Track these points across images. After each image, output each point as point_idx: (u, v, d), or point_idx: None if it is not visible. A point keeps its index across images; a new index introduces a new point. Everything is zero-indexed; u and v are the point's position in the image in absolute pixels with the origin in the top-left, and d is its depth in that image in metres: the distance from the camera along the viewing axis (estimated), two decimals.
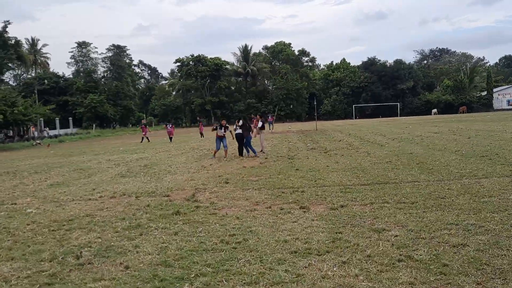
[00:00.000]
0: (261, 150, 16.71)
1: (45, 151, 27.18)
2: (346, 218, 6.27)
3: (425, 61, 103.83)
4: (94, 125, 59.59)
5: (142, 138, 29.76)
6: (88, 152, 23.38)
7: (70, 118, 61.16)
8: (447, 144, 15.99)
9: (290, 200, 7.69)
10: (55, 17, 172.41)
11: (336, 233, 5.56)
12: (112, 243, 5.61)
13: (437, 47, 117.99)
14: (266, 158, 14.78)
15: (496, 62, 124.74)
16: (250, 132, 16.47)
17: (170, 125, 30.90)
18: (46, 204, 8.63)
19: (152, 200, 8.45)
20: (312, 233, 5.63)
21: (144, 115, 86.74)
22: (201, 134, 31.68)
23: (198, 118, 33.02)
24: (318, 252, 4.88)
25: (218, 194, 8.71)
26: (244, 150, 16.14)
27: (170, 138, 29.21)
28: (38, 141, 35.43)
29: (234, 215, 6.81)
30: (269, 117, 38.82)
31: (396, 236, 5.31)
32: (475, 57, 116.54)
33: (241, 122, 16.27)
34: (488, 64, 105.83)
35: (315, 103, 45.69)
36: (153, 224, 6.52)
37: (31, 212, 7.89)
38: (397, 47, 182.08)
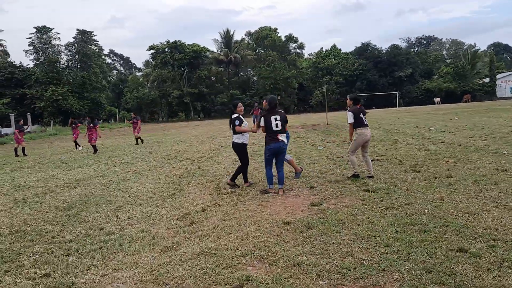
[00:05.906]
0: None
1: None
2: None
3: (412, 50, 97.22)
4: (52, 122, 50.90)
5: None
6: (9, 164, 15.52)
7: (29, 113, 52.55)
8: None
9: None
10: (24, 9, 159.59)
11: None
12: None
13: (423, 35, 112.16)
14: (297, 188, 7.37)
15: (485, 50, 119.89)
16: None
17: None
18: None
19: None
20: None
21: (116, 109, 77.88)
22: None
23: (133, 114, 23.22)
24: None
25: None
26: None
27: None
28: None
29: None
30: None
31: None
32: (466, 44, 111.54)
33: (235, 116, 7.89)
34: (480, 50, 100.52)
35: (324, 91, 38.54)
36: None
37: None
38: (375, 38, 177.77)
